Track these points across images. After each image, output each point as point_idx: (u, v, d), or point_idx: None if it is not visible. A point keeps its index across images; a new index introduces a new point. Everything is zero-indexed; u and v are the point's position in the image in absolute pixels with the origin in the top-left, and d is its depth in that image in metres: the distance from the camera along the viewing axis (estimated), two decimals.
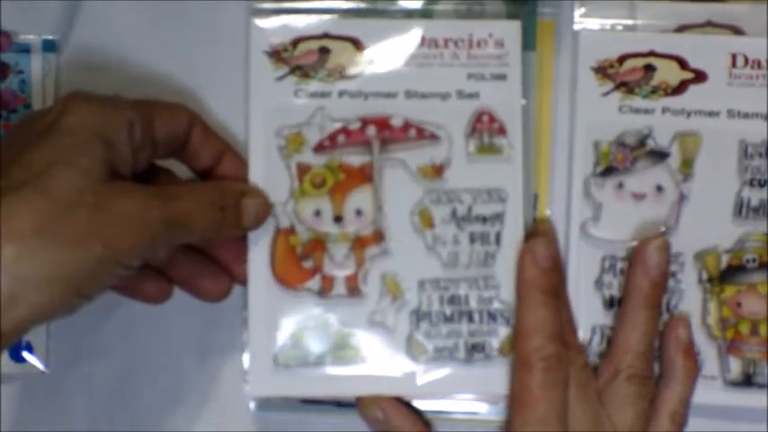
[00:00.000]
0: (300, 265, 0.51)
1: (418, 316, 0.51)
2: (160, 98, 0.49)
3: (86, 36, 0.55)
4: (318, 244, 0.51)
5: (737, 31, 0.54)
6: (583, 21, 0.54)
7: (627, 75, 0.53)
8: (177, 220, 0.46)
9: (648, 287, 0.50)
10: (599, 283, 0.53)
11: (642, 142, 0.53)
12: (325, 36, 0.52)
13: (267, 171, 0.51)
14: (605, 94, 0.53)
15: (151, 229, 0.44)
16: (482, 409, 0.54)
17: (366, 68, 0.52)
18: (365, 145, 0.52)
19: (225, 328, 0.54)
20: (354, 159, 0.52)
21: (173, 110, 0.49)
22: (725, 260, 0.53)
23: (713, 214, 0.53)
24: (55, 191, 0.42)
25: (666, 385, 0.51)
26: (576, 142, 0.53)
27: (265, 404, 0.54)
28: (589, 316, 0.53)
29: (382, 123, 0.52)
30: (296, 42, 0.52)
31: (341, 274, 0.51)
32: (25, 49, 0.55)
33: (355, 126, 0.52)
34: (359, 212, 0.51)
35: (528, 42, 0.53)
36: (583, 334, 0.53)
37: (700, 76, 0.53)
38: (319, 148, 0.52)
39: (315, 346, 0.51)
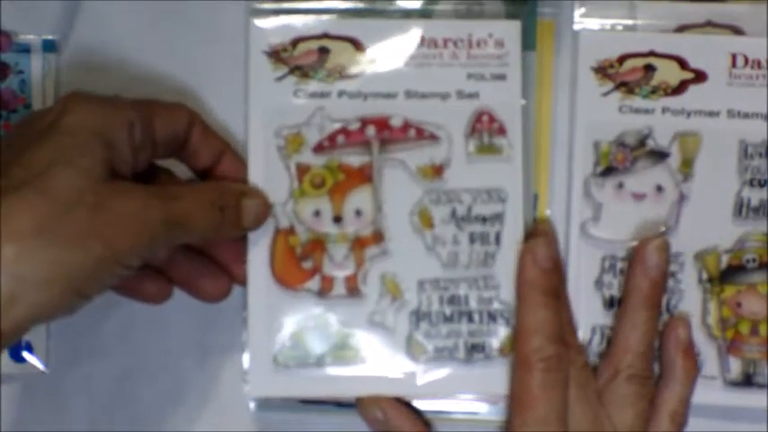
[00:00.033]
0: (300, 265, 0.51)
1: (418, 316, 0.51)
2: (160, 98, 0.49)
3: (86, 36, 0.55)
4: (318, 244, 0.51)
5: (737, 31, 0.54)
6: (583, 21, 0.54)
7: (627, 75, 0.53)
8: (177, 220, 0.46)
9: (648, 287, 0.50)
10: (599, 283, 0.53)
11: (642, 142, 0.53)
12: (325, 36, 0.52)
13: (266, 171, 0.51)
14: (605, 94, 0.53)
15: (151, 229, 0.44)
16: (482, 409, 0.54)
17: (366, 68, 0.52)
18: (365, 145, 0.52)
19: (225, 329, 0.54)
20: (354, 160, 0.52)
21: (172, 109, 0.49)
22: (725, 260, 0.53)
23: (713, 214, 0.53)
24: (55, 191, 0.42)
25: (666, 385, 0.51)
26: (575, 142, 0.53)
27: (265, 404, 0.54)
28: (589, 316, 0.53)
29: (382, 123, 0.52)
30: (295, 42, 0.52)
31: (340, 274, 0.51)
32: (25, 49, 0.55)
33: (355, 126, 0.52)
34: (358, 213, 0.51)
35: (528, 42, 0.53)
36: (583, 334, 0.53)
37: (700, 76, 0.53)
38: (319, 148, 0.52)
39: (314, 346, 0.51)
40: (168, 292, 0.51)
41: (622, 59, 0.53)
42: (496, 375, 0.51)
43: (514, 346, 0.50)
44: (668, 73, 0.53)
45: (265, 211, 0.51)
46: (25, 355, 0.54)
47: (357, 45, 0.52)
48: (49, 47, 0.55)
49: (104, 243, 0.43)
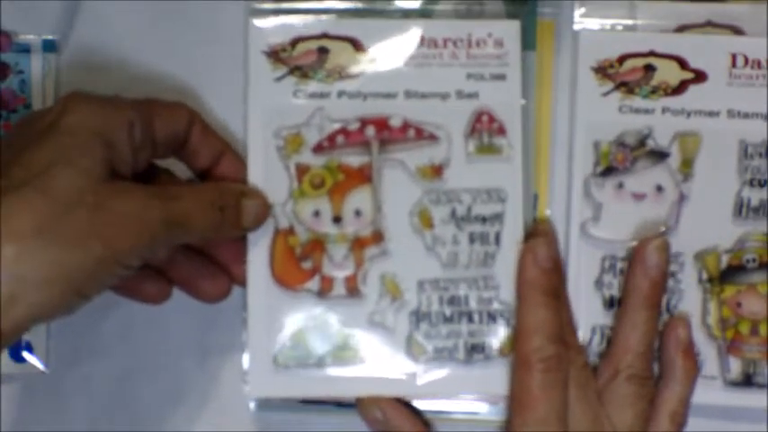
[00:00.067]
0: (300, 265, 0.51)
1: (418, 316, 0.51)
2: (160, 98, 0.49)
3: (86, 36, 0.56)
4: (317, 244, 0.51)
5: (737, 31, 0.54)
6: (583, 21, 0.54)
7: (627, 75, 0.53)
8: (177, 220, 0.46)
9: (648, 287, 0.50)
10: (599, 283, 0.53)
11: (642, 142, 0.53)
12: (324, 36, 0.52)
13: (266, 171, 0.51)
14: (605, 94, 0.53)
15: (151, 229, 0.44)
16: (482, 409, 0.54)
17: (365, 69, 0.52)
18: (364, 145, 0.52)
19: (224, 329, 0.54)
20: (353, 160, 0.52)
21: (172, 109, 0.49)
22: (725, 260, 0.53)
23: (713, 214, 0.53)
24: (55, 191, 0.42)
25: (666, 385, 0.51)
26: (575, 142, 0.53)
27: (265, 404, 0.54)
28: (589, 316, 0.53)
29: (381, 124, 0.52)
30: (295, 42, 0.52)
31: (340, 274, 0.51)
32: (25, 49, 0.55)
33: (354, 126, 0.52)
34: (358, 213, 0.51)
35: (528, 42, 0.53)
36: (583, 334, 0.52)
37: (700, 76, 0.53)
38: (318, 148, 0.52)
39: (314, 346, 0.51)
40: (168, 292, 0.51)
41: (622, 59, 0.53)
42: (496, 375, 0.51)
43: (514, 346, 0.50)
44: (668, 73, 0.53)
45: (265, 211, 0.51)
46: (25, 355, 0.54)
47: (357, 45, 0.52)
48: (49, 47, 0.55)
49: (104, 243, 0.43)
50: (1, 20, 0.55)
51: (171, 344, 0.55)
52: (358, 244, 0.51)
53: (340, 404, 0.53)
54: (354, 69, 0.52)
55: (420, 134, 0.52)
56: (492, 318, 0.51)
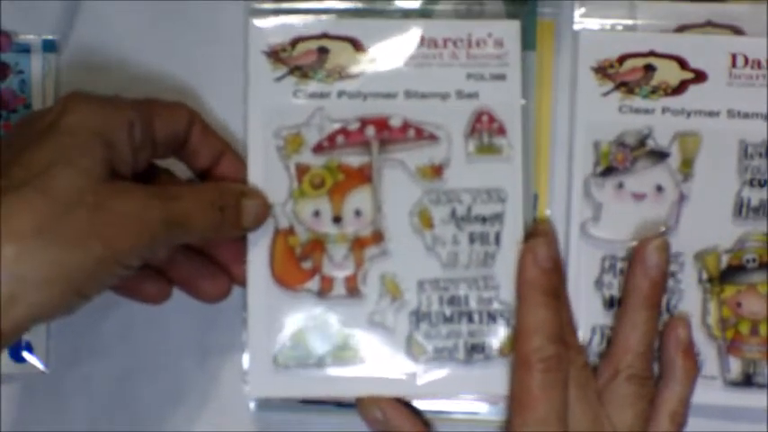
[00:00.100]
0: (300, 265, 0.51)
1: (418, 316, 0.51)
2: (160, 98, 0.49)
3: (86, 36, 0.56)
4: (317, 244, 0.51)
5: (737, 31, 0.54)
6: (583, 21, 0.54)
7: (627, 75, 0.53)
8: (177, 220, 0.46)
9: (648, 287, 0.50)
10: (599, 283, 0.53)
11: (642, 142, 0.53)
12: (324, 36, 0.52)
13: (266, 172, 0.51)
14: (605, 94, 0.53)
15: (151, 229, 0.44)
16: (482, 409, 0.54)
17: (365, 69, 0.52)
18: (364, 145, 0.52)
19: (224, 329, 0.54)
20: (353, 160, 0.52)
21: (172, 108, 0.49)
22: (725, 260, 0.53)
23: (713, 214, 0.53)
24: (55, 191, 0.42)
25: (666, 385, 0.51)
26: (575, 142, 0.53)
27: (265, 404, 0.54)
28: (589, 316, 0.53)
29: (381, 124, 0.52)
30: (295, 42, 0.52)
31: (340, 274, 0.51)
32: (25, 49, 0.55)
33: (354, 126, 0.52)
34: (358, 213, 0.51)
35: (528, 42, 0.53)
36: (583, 334, 0.52)
37: (700, 76, 0.53)
38: (318, 148, 0.52)
39: (314, 346, 0.51)
40: (168, 292, 0.51)
41: (622, 59, 0.53)
42: (496, 375, 0.51)
43: (514, 346, 0.50)
44: (668, 73, 0.53)
45: (265, 211, 0.51)
46: (25, 355, 0.54)
47: (357, 45, 0.52)
48: (49, 47, 0.55)
49: (104, 243, 0.43)
50: (1, 20, 0.55)
51: (171, 344, 0.55)
52: (358, 244, 0.51)
53: (340, 404, 0.53)
54: (354, 69, 0.52)
55: (420, 134, 0.52)
56: (492, 318, 0.51)
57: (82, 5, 0.55)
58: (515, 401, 0.49)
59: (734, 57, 0.53)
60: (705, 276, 0.53)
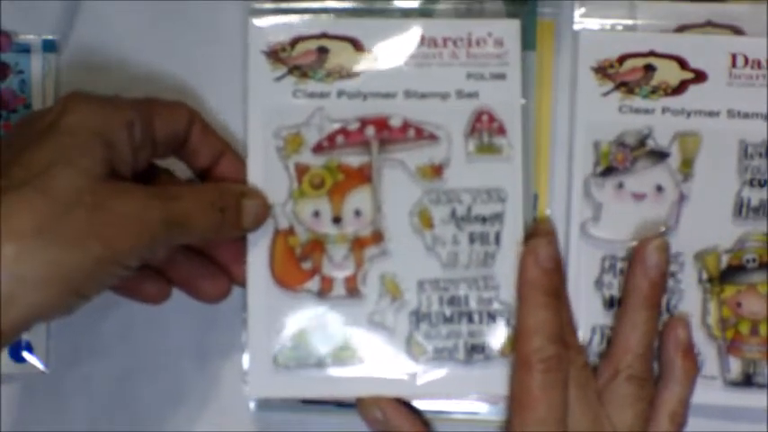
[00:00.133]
0: (299, 265, 0.51)
1: (418, 316, 0.51)
2: (160, 97, 0.49)
3: (86, 36, 0.56)
4: (317, 245, 0.51)
5: (737, 31, 0.54)
6: (583, 21, 0.54)
7: (627, 75, 0.53)
8: (177, 220, 0.46)
9: (648, 287, 0.50)
10: (599, 283, 0.53)
11: (642, 142, 0.53)
12: (324, 36, 0.52)
13: (266, 172, 0.51)
14: (605, 94, 0.53)
15: (151, 229, 0.44)
16: (482, 409, 0.54)
17: (365, 68, 0.52)
18: (364, 145, 0.52)
19: (224, 329, 0.54)
20: (353, 160, 0.52)
21: (172, 108, 0.49)
22: (725, 260, 0.53)
23: (713, 214, 0.53)
24: (55, 191, 0.42)
25: (666, 386, 0.51)
26: (575, 142, 0.53)
27: (265, 404, 0.54)
28: (589, 316, 0.53)
29: (381, 123, 0.52)
30: (294, 42, 0.52)
31: (340, 274, 0.51)
32: (25, 49, 0.55)
33: (354, 126, 0.52)
34: (358, 213, 0.51)
35: (528, 42, 0.53)
36: (583, 334, 0.52)
37: (700, 76, 0.53)
38: (318, 148, 0.52)
39: (314, 346, 0.51)
40: (167, 292, 0.51)
41: (622, 59, 0.53)
42: (496, 376, 0.51)
43: (515, 347, 0.50)
44: (668, 73, 0.53)
45: (265, 211, 0.51)
46: (25, 355, 0.54)
47: (356, 45, 0.52)
48: (49, 47, 0.55)
49: (103, 243, 0.43)
50: (1, 20, 0.55)
51: (171, 344, 0.55)
52: (358, 244, 0.51)
53: (340, 404, 0.53)
54: (354, 69, 0.52)
55: (420, 134, 0.52)
56: (492, 318, 0.51)
57: (82, 5, 0.56)
58: (515, 402, 0.49)
59: (734, 57, 0.53)
60: (705, 276, 0.53)
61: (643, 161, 0.53)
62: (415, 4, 0.53)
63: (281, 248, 0.51)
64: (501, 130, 0.52)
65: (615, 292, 0.53)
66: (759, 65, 0.53)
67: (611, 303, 0.53)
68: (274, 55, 0.52)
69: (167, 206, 0.45)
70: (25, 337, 0.54)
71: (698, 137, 0.53)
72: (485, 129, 0.52)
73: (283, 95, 0.52)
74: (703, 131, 0.53)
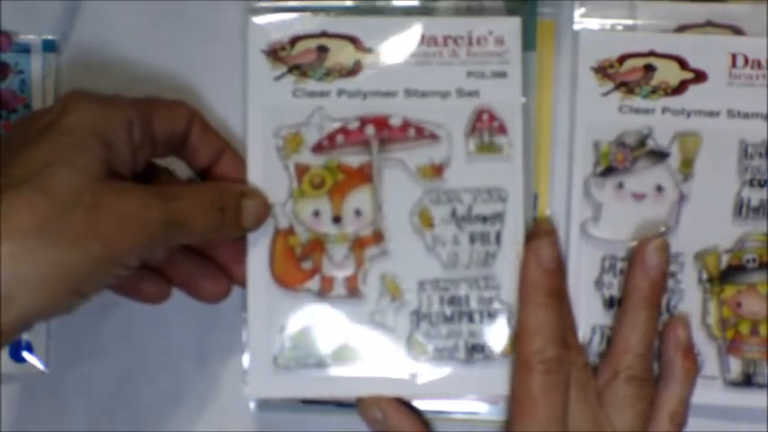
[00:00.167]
0: (299, 265, 0.51)
1: (418, 316, 0.51)
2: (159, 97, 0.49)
3: (86, 36, 0.56)
4: (317, 244, 0.51)
5: (737, 31, 0.54)
6: (583, 21, 0.54)
7: (627, 75, 0.53)
8: (177, 220, 0.46)
9: (648, 287, 0.50)
10: (599, 283, 0.53)
11: (642, 142, 0.53)
12: (324, 35, 0.52)
13: (266, 171, 0.51)
14: (605, 94, 0.53)
15: (150, 229, 0.44)
16: (482, 409, 0.54)
17: (365, 67, 0.52)
18: (364, 145, 0.51)
19: (224, 329, 0.54)
20: (353, 159, 0.51)
21: (172, 107, 0.49)
22: (725, 260, 0.53)
23: (713, 214, 0.53)
24: (54, 190, 0.42)
25: (666, 386, 0.51)
26: (575, 142, 0.53)
27: (265, 404, 0.54)
28: (589, 316, 0.53)
29: (381, 123, 0.51)
30: (294, 41, 0.52)
31: (340, 274, 0.51)
32: (25, 49, 0.55)
33: (354, 126, 0.52)
34: (358, 213, 0.51)
35: (528, 42, 0.53)
36: (583, 334, 0.52)
37: (700, 76, 0.53)
38: (318, 148, 0.52)
39: (314, 346, 0.51)
40: (167, 292, 0.51)
41: (622, 59, 0.53)
42: (497, 376, 0.51)
43: (515, 348, 0.50)
44: (668, 73, 0.53)
45: (265, 211, 0.51)
46: (25, 355, 0.54)
47: (356, 43, 0.52)
48: (49, 47, 0.55)
49: (102, 243, 0.43)
50: (1, 20, 0.55)
51: (171, 344, 0.55)
52: (358, 244, 0.51)
53: (340, 404, 0.53)
54: (354, 68, 0.52)
55: (420, 133, 0.51)
56: (492, 318, 0.51)
57: (82, 5, 0.56)
58: (515, 403, 0.49)
59: (734, 57, 0.53)
60: (705, 276, 0.53)
61: (643, 161, 0.53)
62: (416, 3, 0.53)
63: (281, 248, 0.51)
64: (501, 129, 0.52)
65: (615, 292, 0.52)
66: (759, 65, 0.53)
67: (611, 303, 0.53)
68: (274, 54, 0.52)
69: (167, 206, 0.45)
70: (25, 337, 0.54)
71: (698, 137, 0.53)
72: (485, 128, 0.52)
73: (283, 95, 0.52)
74: (703, 131, 0.53)
